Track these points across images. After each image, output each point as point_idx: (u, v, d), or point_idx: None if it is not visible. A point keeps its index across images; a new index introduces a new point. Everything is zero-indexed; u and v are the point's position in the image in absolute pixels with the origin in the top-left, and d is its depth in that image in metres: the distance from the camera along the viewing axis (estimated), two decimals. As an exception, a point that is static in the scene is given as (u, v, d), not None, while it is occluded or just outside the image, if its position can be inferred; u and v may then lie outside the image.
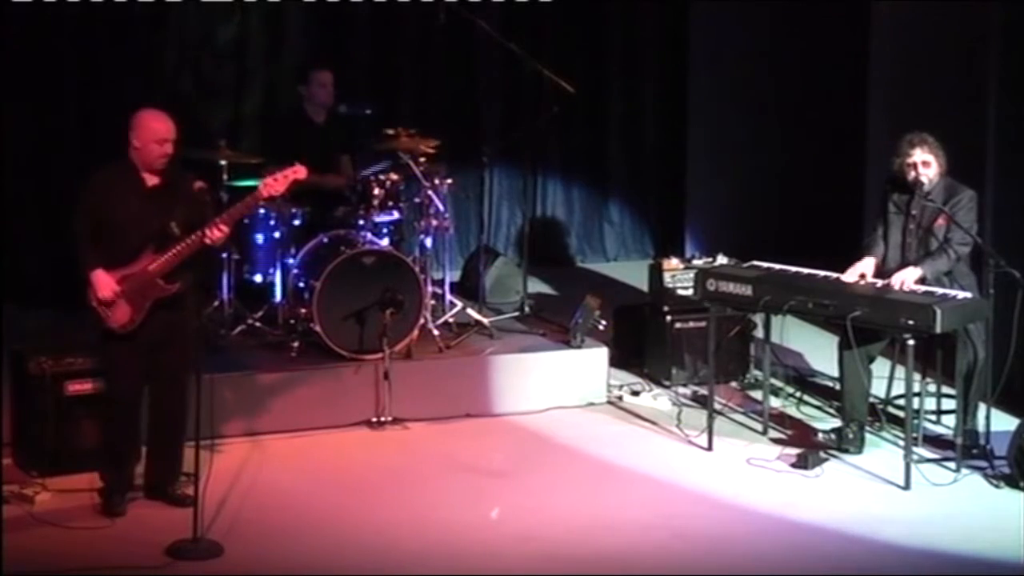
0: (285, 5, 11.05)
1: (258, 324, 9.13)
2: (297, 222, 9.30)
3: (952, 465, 7.95)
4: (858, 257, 8.37)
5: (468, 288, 10.24)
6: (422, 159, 9.36)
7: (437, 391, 8.83)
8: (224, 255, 9.00)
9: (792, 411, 8.97)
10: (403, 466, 8.13)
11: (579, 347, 9.24)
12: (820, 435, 8.38)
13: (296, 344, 8.89)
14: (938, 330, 7.66)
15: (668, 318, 9.42)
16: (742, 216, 12.16)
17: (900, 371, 8.48)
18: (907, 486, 7.76)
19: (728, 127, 12.34)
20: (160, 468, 7.46)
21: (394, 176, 9.38)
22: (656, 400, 9.18)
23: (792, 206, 12.23)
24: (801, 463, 8.03)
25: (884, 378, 8.77)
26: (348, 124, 10.07)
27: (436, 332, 9.17)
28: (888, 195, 8.43)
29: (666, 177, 12.63)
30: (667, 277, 9.54)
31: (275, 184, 7.31)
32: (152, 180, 7.29)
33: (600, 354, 9.23)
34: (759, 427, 8.68)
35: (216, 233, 7.16)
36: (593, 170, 12.48)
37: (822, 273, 8.33)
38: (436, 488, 7.80)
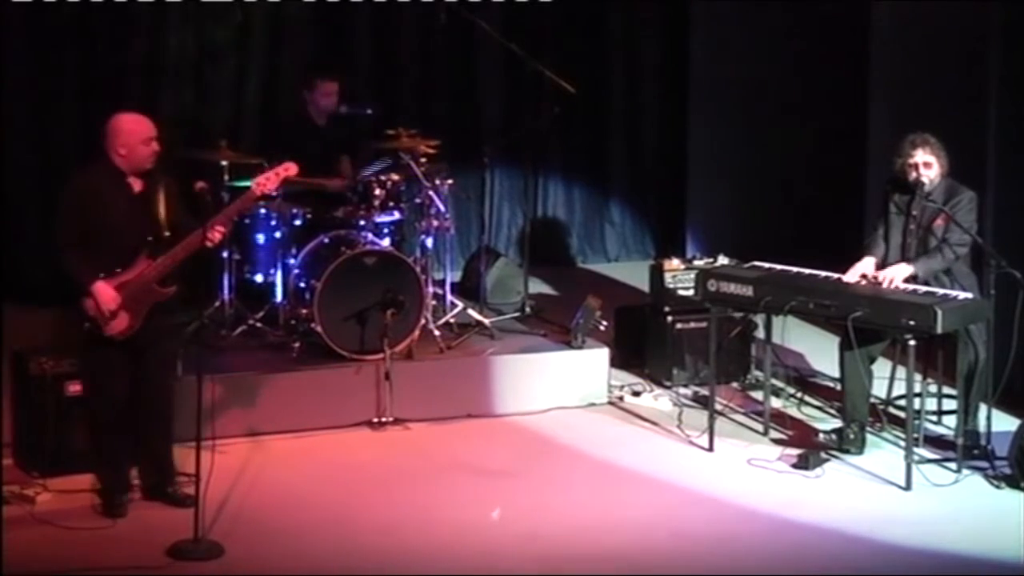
0: (285, 5, 11.05)
1: (259, 324, 9.13)
2: (298, 222, 9.31)
3: (953, 466, 7.95)
4: (859, 257, 8.37)
5: (469, 288, 10.24)
6: (423, 159, 9.36)
7: (438, 391, 8.83)
8: (225, 255, 9.01)
9: (793, 412, 8.97)
10: (404, 466, 8.13)
11: (580, 348, 9.23)
12: (821, 436, 8.37)
13: (297, 344, 8.89)
14: (939, 331, 7.65)
15: (669, 319, 9.42)
16: (743, 216, 12.16)
17: (901, 371, 8.48)
18: (908, 487, 7.76)
19: (728, 127, 12.34)
20: (153, 469, 7.45)
21: (395, 176, 9.38)
22: (657, 401, 9.18)
23: (793, 206, 12.23)
24: (802, 464, 8.03)
25: (885, 379, 8.77)
26: (349, 124, 10.07)
27: (437, 332, 9.17)
28: (889, 195, 8.43)
29: (667, 177, 12.64)
30: (668, 278, 9.53)
31: (267, 183, 7.33)
32: (137, 184, 7.25)
33: (601, 355, 9.23)
34: (760, 428, 8.68)
35: (215, 235, 7.16)
36: (594, 170, 12.49)
37: (823, 273, 8.33)
38: (437, 488, 7.80)
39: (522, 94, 11.62)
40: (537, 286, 10.87)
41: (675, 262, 9.61)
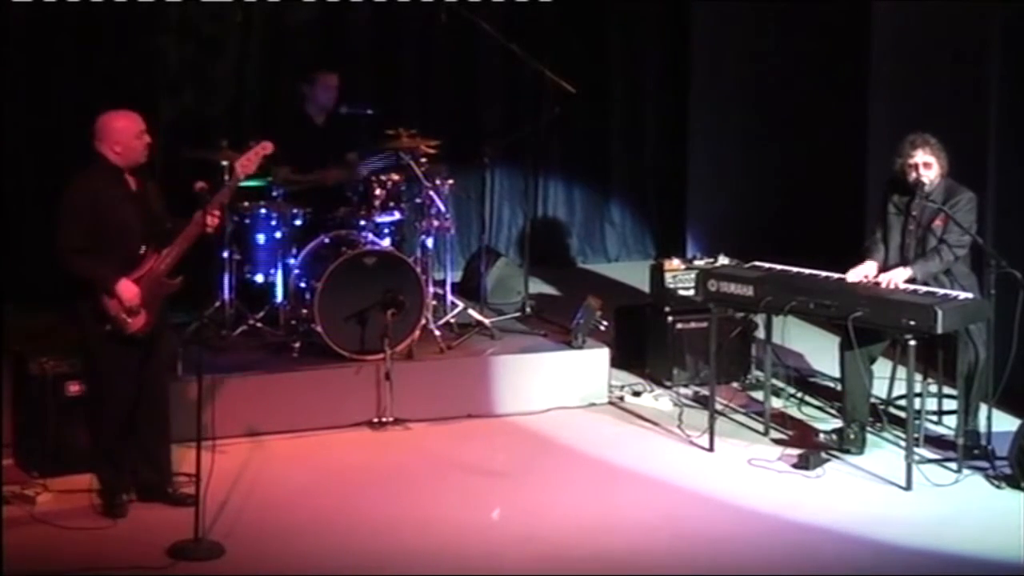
0: (285, 5, 11.05)
1: (259, 325, 9.13)
2: (298, 222, 9.31)
3: (953, 466, 7.95)
4: (859, 258, 8.37)
5: (469, 288, 10.24)
6: (423, 159, 9.37)
7: (438, 391, 8.83)
8: (225, 255, 9.01)
9: (793, 412, 8.97)
10: (404, 467, 8.13)
11: (580, 348, 9.23)
12: (821, 436, 8.38)
13: (297, 344, 8.89)
14: (939, 331, 7.65)
15: (669, 319, 9.42)
16: (743, 217, 12.16)
17: (901, 372, 8.48)
18: (908, 487, 7.76)
19: (728, 127, 12.35)
20: (152, 469, 7.44)
21: (395, 176, 9.39)
22: (657, 401, 9.18)
23: (793, 206, 12.23)
24: (802, 464, 8.03)
25: (885, 379, 8.77)
26: (349, 124, 10.06)
27: (437, 332, 9.17)
28: (888, 196, 8.43)
29: (667, 177, 12.64)
30: (668, 278, 9.53)
31: (248, 163, 7.40)
32: (133, 181, 7.27)
33: (601, 355, 9.23)
34: (760, 428, 8.68)
35: (213, 220, 7.20)
36: (594, 170, 12.49)
37: (823, 274, 8.33)
38: (437, 489, 7.80)
39: (522, 94, 11.63)
40: (537, 286, 10.87)
41: (675, 262, 9.62)
